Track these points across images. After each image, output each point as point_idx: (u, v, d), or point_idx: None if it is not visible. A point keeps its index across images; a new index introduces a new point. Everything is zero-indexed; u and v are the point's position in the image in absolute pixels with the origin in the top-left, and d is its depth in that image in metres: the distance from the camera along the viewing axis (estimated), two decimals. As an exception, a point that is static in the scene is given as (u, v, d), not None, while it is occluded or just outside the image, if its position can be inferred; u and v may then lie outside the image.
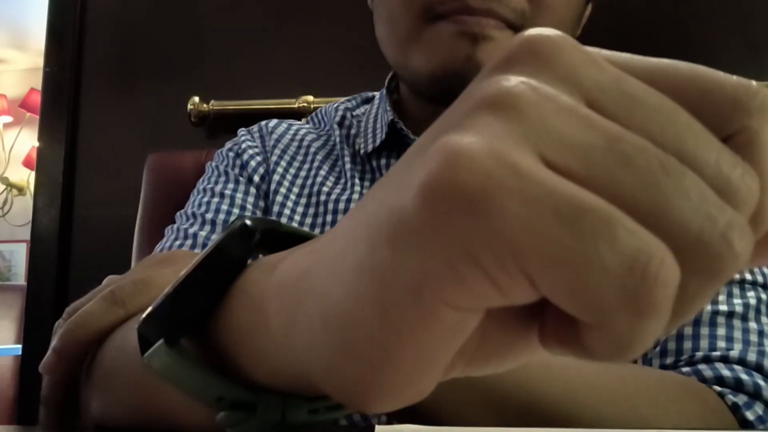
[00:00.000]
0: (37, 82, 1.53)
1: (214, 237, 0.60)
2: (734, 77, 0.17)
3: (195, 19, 1.24)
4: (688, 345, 0.50)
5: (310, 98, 1.15)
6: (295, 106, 1.14)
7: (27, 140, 3.46)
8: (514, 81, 0.15)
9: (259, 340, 0.22)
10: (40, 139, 1.27)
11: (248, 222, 0.25)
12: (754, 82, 0.17)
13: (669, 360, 0.51)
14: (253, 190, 0.66)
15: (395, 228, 0.16)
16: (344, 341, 0.18)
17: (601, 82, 0.16)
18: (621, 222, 0.14)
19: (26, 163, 3.41)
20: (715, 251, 0.15)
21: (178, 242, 0.62)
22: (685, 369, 0.49)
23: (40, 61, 1.37)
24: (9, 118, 3.56)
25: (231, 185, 0.66)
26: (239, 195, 0.65)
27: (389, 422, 0.49)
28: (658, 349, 0.51)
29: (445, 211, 0.14)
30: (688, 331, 0.51)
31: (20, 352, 1.24)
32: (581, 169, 0.15)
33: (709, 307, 0.51)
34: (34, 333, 1.21)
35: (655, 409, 0.39)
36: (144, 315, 0.25)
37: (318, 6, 1.21)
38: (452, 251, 0.14)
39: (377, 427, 0.30)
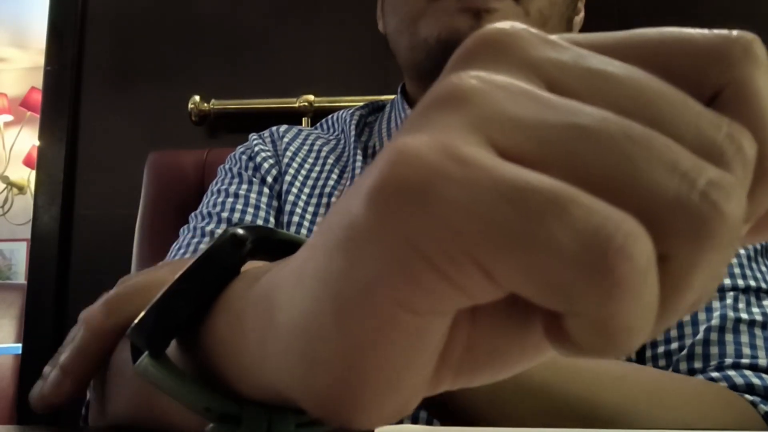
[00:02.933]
0: (38, 80, 1.53)
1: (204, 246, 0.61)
2: (709, 30, 0.15)
3: (195, 18, 1.24)
4: (714, 351, 0.51)
5: (311, 97, 1.14)
6: (296, 105, 1.14)
7: (27, 139, 3.45)
8: (464, 76, 0.15)
9: (239, 353, 0.22)
10: (40, 137, 1.27)
11: (239, 231, 0.25)
12: (734, 31, 0.15)
13: (697, 365, 0.51)
14: (266, 190, 0.67)
15: (346, 233, 0.15)
16: (309, 353, 0.17)
17: (561, 62, 0.15)
18: (573, 198, 0.13)
19: (27, 162, 3.41)
20: (697, 213, 0.13)
21: (195, 239, 0.62)
22: (715, 374, 0.49)
23: (40, 60, 1.36)
24: (9, 117, 3.56)
25: (245, 186, 0.67)
26: (253, 195, 0.66)
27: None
28: (684, 352, 0.52)
29: (390, 209, 0.14)
30: (714, 336, 0.52)
31: (20, 351, 1.24)
32: (535, 150, 0.14)
33: (732, 314, 0.52)
34: (34, 332, 1.21)
35: (698, 417, 0.40)
36: (133, 323, 0.25)
37: (318, 5, 1.21)
38: (401, 250, 0.14)
39: (378, 427, 0.29)
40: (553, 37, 0.16)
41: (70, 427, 0.40)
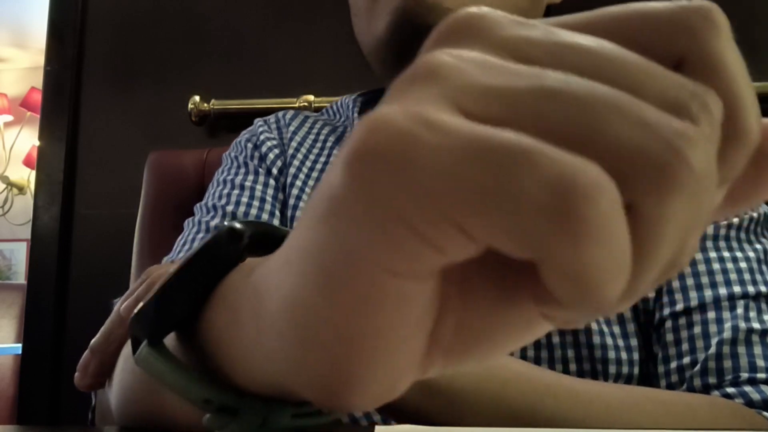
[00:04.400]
0: (38, 80, 1.53)
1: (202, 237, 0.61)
2: (670, 1, 0.16)
3: (196, 17, 1.24)
4: (728, 364, 0.50)
5: (311, 97, 1.14)
6: (296, 105, 1.14)
7: (27, 139, 3.45)
8: (435, 53, 0.16)
9: (235, 345, 0.23)
10: (40, 137, 1.27)
11: (237, 225, 0.25)
12: (693, 0, 0.16)
13: (711, 380, 0.50)
14: (272, 182, 0.66)
15: (327, 205, 0.16)
16: (300, 331, 0.18)
17: (529, 37, 0.16)
18: (538, 149, 0.13)
19: (27, 162, 3.41)
20: (660, 161, 0.13)
21: (200, 235, 0.62)
22: (731, 390, 0.49)
23: (40, 60, 1.36)
24: (9, 117, 3.55)
25: (251, 177, 0.66)
26: (259, 187, 0.65)
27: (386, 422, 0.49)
28: (698, 368, 0.51)
29: (365, 175, 0.14)
30: (726, 349, 0.50)
31: (20, 351, 1.24)
32: (502, 113, 0.14)
33: (743, 325, 0.51)
34: (34, 332, 1.21)
35: None
36: (133, 314, 0.25)
37: (318, 5, 1.21)
38: (379, 214, 0.14)
39: (377, 428, 0.30)
40: (523, 18, 0.16)
41: (71, 427, 0.40)
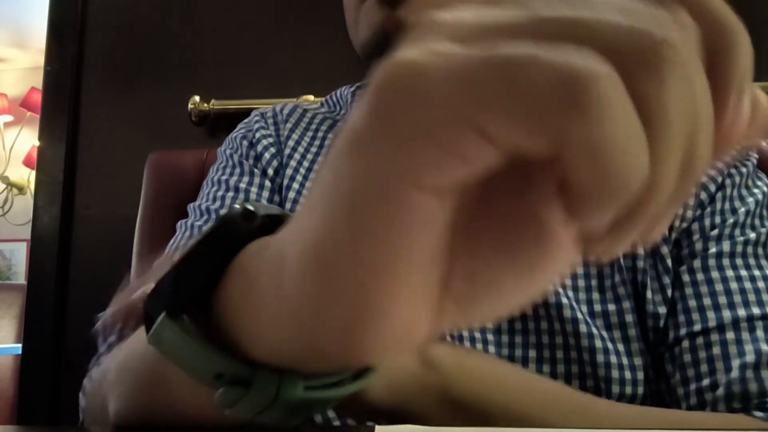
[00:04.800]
0: (38, 80, 1.53)
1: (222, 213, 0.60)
2: None
3: (195, 18, 1.24)
4: (753, 388, 0.49)
5: (311, 98, 1.15)
6: (296, 105, 1.14)
7: (27, 139, 3.45)
8: (435, 16, 0.18)
9: (250, 310, 0.23)
10: (40, 138, 1.27)
11: (249, 206, 0.26)
12: None
13: (736, 404, 0.49)
14: (267, 183, 0.65)
15: (351, 140, 0.17)
16: (324, 268, 0.19)
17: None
18: (542, 50, 0.15)
19: (27, 162, 3.41)
20: (647, 45, 0.15)
21: (192, 240, 0.61)
22: (758, 413, 0.48)
23: (40, 60, 1.36)
24: (9, 117, 3.55)
25: (246, 178, 0.65)
26: (254, 189, 0.64)
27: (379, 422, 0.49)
28: (722, 392, 0.50)
29: (387, 101, 0.16)
30: (750, 374, 0.49)
31: (20, 352, 1.24)
32: (499, 39, 0.16)
33: (766, 348, 0.50)
34: (34, 332, 1.21)
35: None
36: (148, 291, 0.26)
37: (318, 5, 1.21)
38: (402, 130, 0.16)
39: (377, 428, 0.30)
40: None
41: (71, 428, 0.40)
